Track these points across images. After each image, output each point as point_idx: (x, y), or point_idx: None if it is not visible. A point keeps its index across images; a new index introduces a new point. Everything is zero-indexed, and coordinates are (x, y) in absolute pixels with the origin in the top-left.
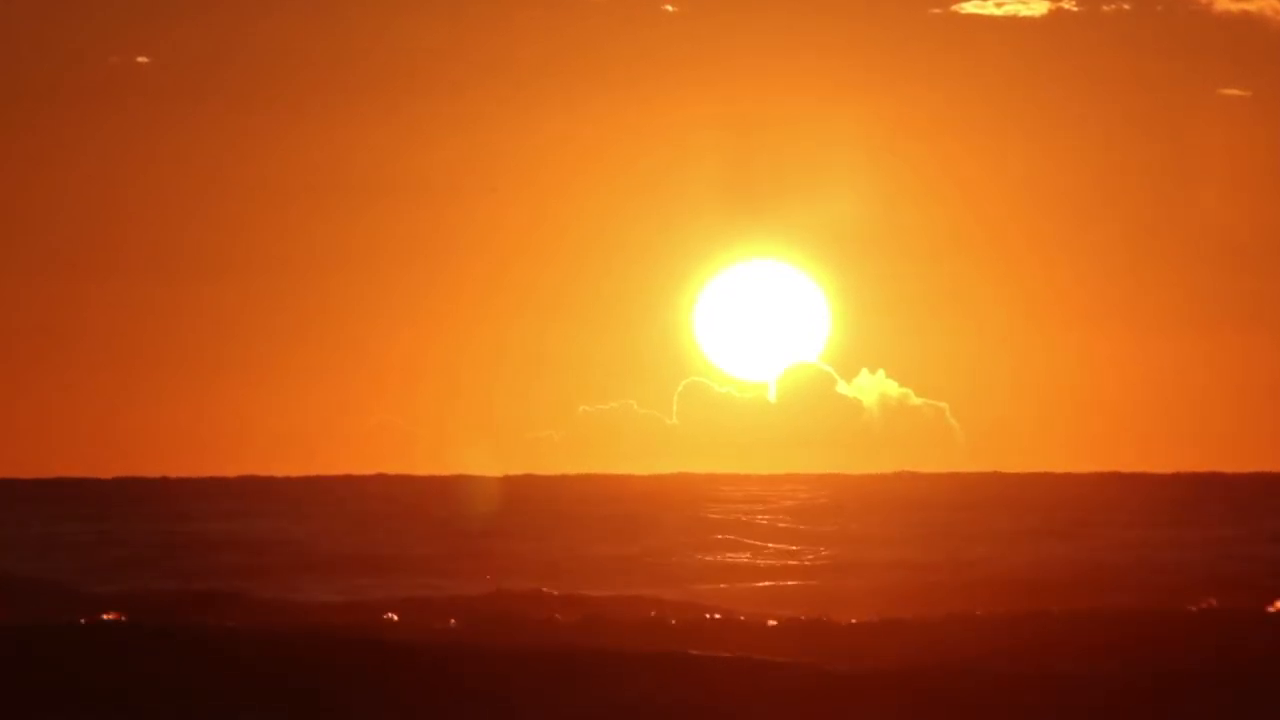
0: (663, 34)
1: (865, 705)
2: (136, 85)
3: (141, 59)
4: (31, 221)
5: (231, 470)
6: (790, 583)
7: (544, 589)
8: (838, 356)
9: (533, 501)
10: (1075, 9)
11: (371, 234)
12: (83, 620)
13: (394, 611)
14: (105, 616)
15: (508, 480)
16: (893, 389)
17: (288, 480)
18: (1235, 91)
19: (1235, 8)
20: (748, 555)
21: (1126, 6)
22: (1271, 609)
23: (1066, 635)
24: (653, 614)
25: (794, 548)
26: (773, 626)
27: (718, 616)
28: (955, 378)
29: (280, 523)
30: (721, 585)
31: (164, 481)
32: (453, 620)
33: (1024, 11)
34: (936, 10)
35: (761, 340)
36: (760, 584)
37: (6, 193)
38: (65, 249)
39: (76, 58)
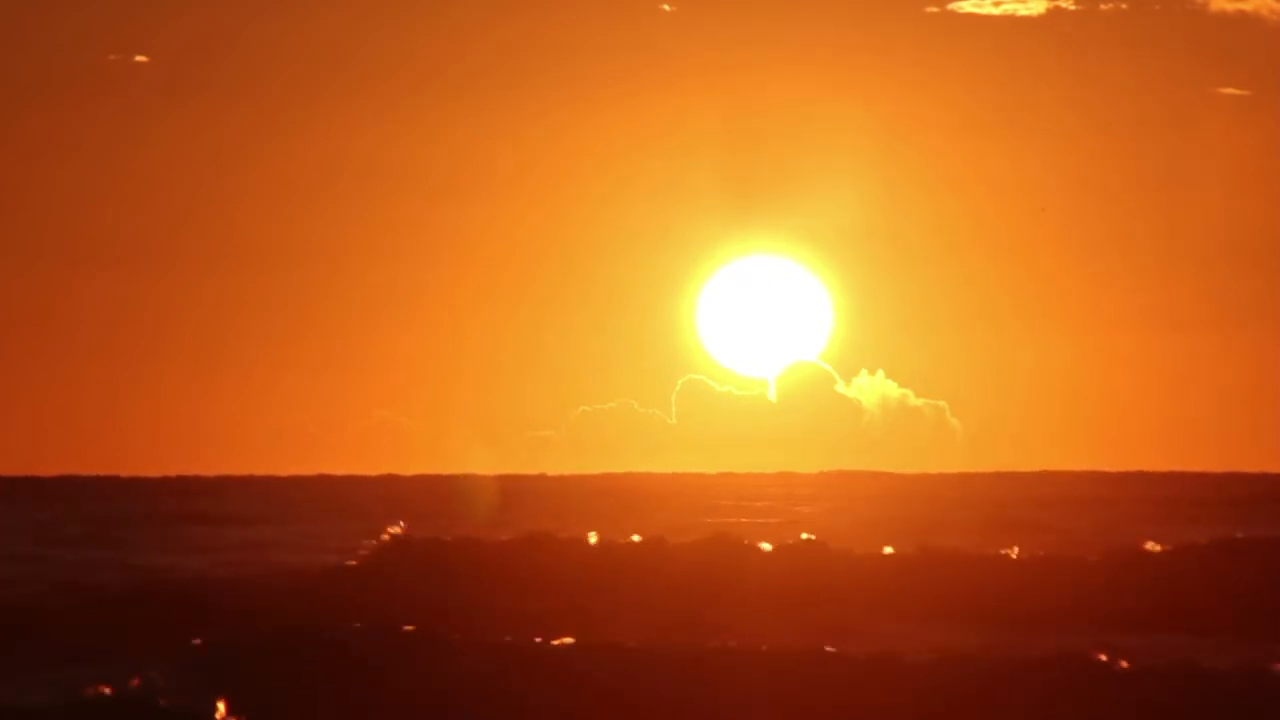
0: (661, 33)
1: None
2: (135, 83)
3: (140, 58)
4: (30, 218)
5: (228, 469)
6: None
7: None
8: (838, 356)
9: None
10: (1073, 8)
11: (370, 231)
12: None
13: None
14: None
15: (506, 479)
16: (892, 390)
17: (287, 479)
18: (1234, 91)
19: (1231, 7)
20: None
21: (1124, 6)
22: None
23: None
24: None
25: None
26: None
27: None
28: (955, 378)
29: None
30: None
31: (161, 480)
32: None
33: (1021, 10)
34: (933, 9)
35: (763, 337)
36: None
37: (6, 189)
38: (64, 245)
39: (76, 55)
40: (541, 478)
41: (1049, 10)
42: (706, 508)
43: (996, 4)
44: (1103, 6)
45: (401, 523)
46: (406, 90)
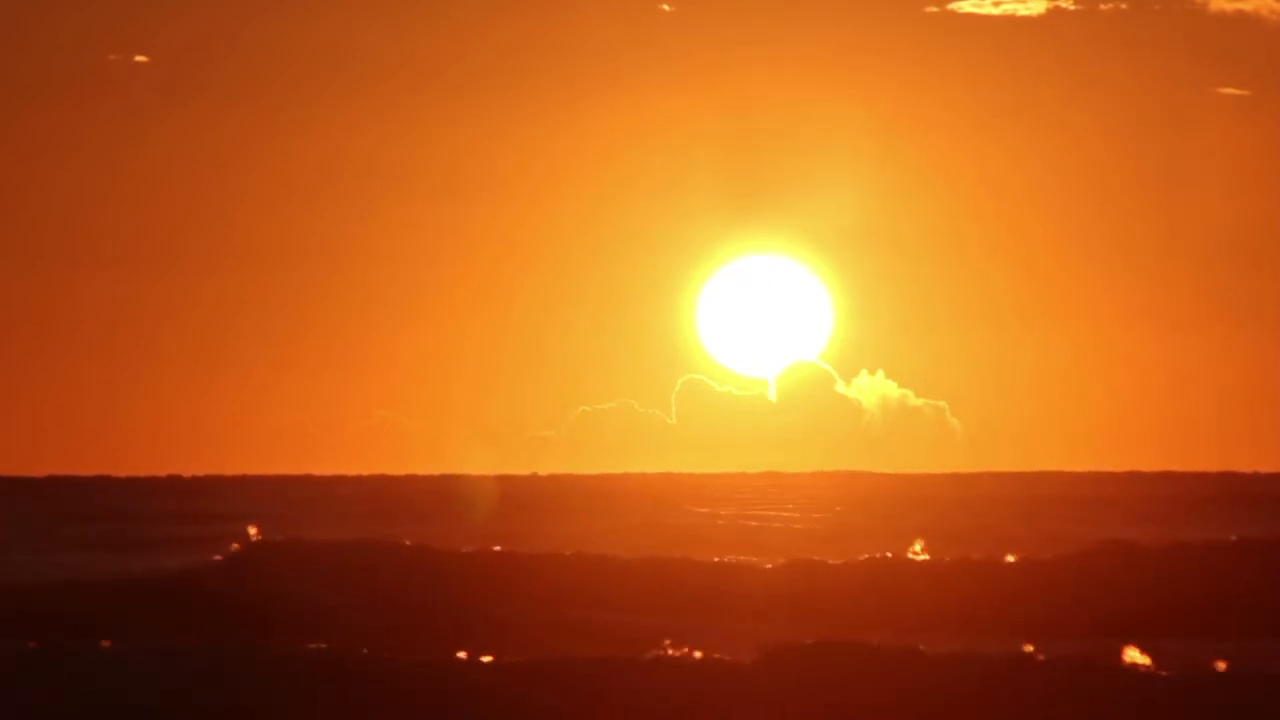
0: (661, 33)
1: None
2: (135, 83)
3: (140, 58)
4: (30, 218)
5: (228, 468)
6: None
7: None
8: (838, 356)
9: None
10: (1073, 8)
11: (370, 231)
12: None
13: None
14: None
15: (506, 479)
16: (892, 390)
17: (288, 479)
18: (1234, 91)
19: (1231, 7)
20: None
21: (1124, 6)
22: None
23: None
24: None
25: None
26: None
27: None
28: (955, 378)
29: None
30: None
31: (161, 480)
32: None
33: (1021, 10)
34: (933, 9)
35: (763, 337)
36: None
37: (6, 189)
38: (64, 245)
39: (76, 55)
40: (542, 478)
41: (1049, 10)
42: (688, 511)
43: (996, 4)
44: (1103, 6)
45: (254, 529)
46: (406, 90)
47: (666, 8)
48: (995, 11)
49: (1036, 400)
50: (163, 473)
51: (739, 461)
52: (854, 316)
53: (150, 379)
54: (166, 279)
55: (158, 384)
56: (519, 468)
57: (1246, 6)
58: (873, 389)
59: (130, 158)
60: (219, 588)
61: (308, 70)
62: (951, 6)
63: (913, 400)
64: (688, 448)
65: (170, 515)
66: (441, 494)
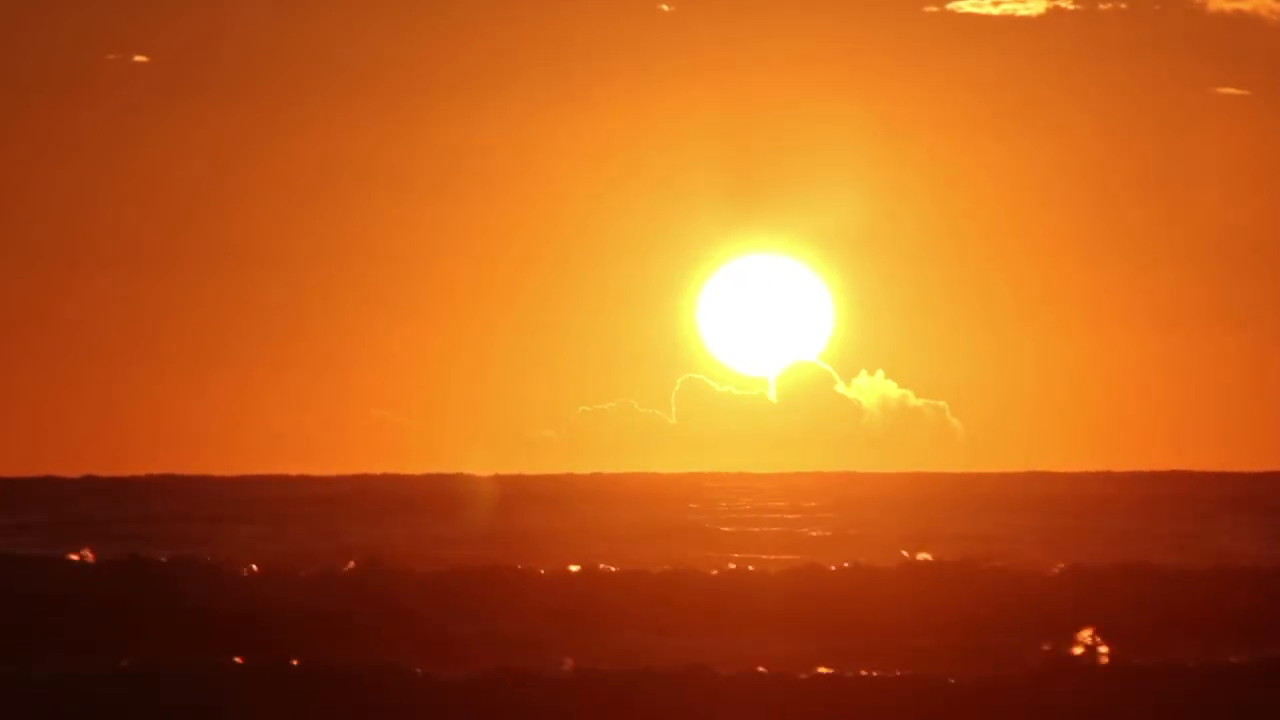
0: (660, 33)
1: None
2: (135, 83)
3: (140, 58)
4: (30, 218)
5: (228, 469)
6: None
7: None
8: (838, 356)
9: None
10: (1072, 8)
11: (369, 231)
12: None
13: None
14: None
15: (506, 480)
16: (892, 390)
17: (287, 479)
18: (1233, 90)
19: (1230, 7)
20: None
21: (1124, 6)
22: None
23: None
24: None
25: None
26: None
27: None
28: (955, 378)
29: None
30: None
31: (161, 480)
32: None
33: (1021, 10)
34: (932, 9)
35: (763, 337)
36: None
37: (6, 189)
38: (64, 245)
39: (75, 55)
40: (541, 478)
41: (1048, 10)
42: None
43: (996, 4)
44: (1102, 6)
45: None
46: (405, 90)
47: (666, 8)
48: (994, 11)
49: (1036, 400)
50: (163, 472)
51: (739, 461)
52: (854, 316)
53: (149, 379)
54: (166, 279)
55: (156, 384)
56: (518, 468)
57: (1246, 6)
58: (873, 389)
59: (130, 158)
60: None
61: (308, 70)
62: (951, 6)
63: (913, 400)
64: (688, 448)
65: (145, 516)
66: (437, 494)
